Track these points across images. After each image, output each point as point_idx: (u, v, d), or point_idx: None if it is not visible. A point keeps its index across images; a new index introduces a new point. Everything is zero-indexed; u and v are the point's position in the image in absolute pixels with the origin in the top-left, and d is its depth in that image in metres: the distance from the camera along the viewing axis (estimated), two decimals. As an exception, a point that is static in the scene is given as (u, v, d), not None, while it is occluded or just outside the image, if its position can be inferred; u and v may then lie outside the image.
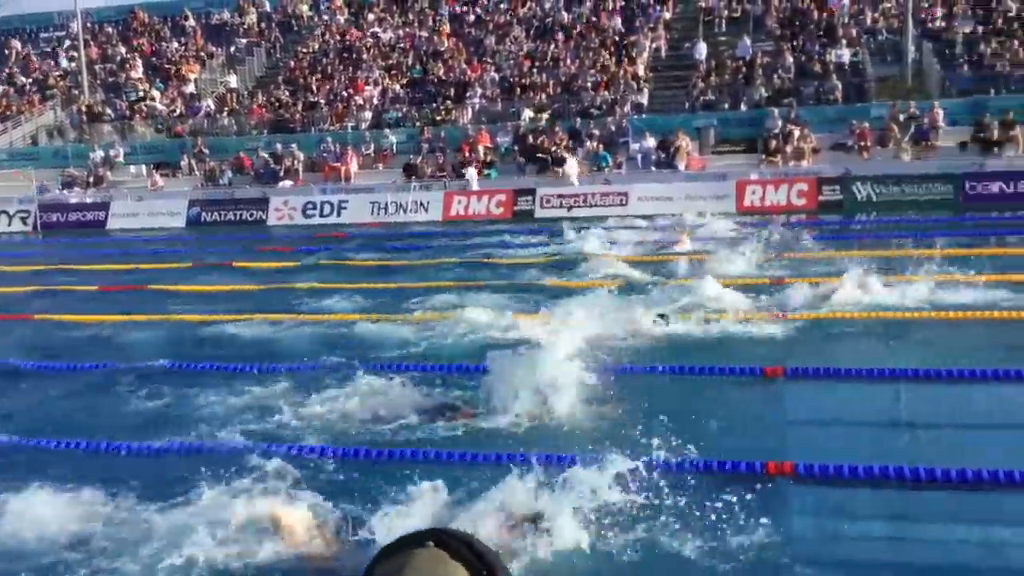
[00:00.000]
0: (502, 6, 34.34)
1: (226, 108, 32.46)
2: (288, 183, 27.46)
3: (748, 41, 28.42)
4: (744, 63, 27.70)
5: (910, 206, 20.39)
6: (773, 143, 24.23)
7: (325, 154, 28.13)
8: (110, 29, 39.45)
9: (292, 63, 34.12)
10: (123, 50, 37.55)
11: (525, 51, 31.07)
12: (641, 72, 28.89)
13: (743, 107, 26.30)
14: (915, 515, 5.29)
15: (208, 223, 25.87)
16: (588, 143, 26.08)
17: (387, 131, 28.64)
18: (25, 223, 27.61)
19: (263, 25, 37.21)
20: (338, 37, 34.94)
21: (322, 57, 33.93)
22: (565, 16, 32.49)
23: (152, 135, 32.33)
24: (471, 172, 25.31)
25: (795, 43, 28.07)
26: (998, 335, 9.08)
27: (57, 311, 13.02)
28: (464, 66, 31.00)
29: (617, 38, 30.60)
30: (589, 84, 28.47)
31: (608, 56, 29.58)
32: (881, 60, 27.25)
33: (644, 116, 26.95)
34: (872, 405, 7.17)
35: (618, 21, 31.46)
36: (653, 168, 24.86)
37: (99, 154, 30.81)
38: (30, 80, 37.08)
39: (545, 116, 27.67)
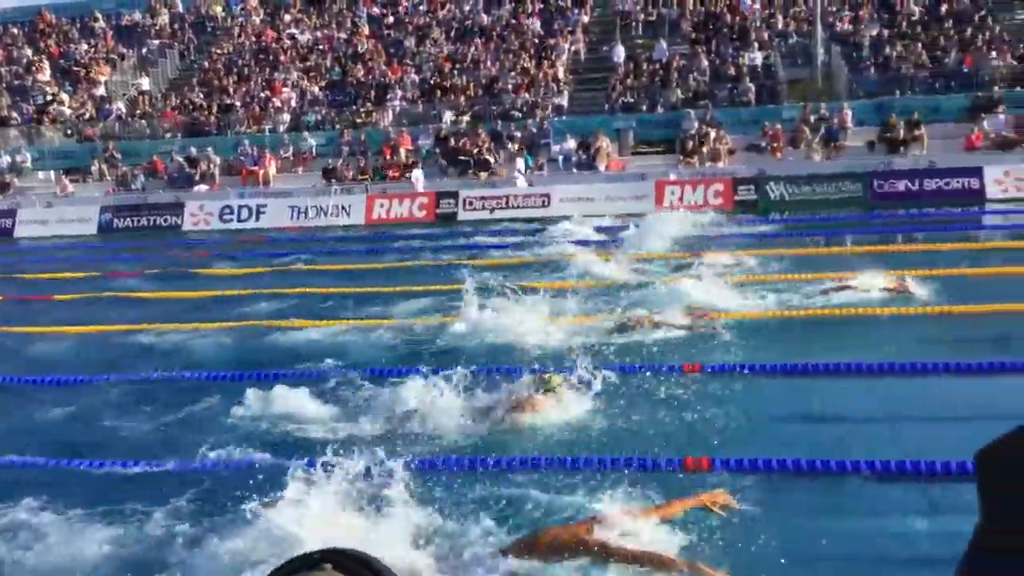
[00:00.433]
0: (421, 8, 34.24)
1: (138, 111, 31.61)
2: (204, 187, 26.87)
3: (664, 44, 28.92)
4: (661, 66, 28.16)
5: (821, 204, 21.00)
6: (690, 144, 24.68)
7: (242, 157, 27.61)
8: (15, 30, 37.99)
9: (206, 65, 33.41)
10: (29, 52, 36.21)
11: (445, 53, 31.03)
12: (561, 74, 29.13)
13: (660, 109, 26.74)
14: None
15: (120, 229, 25.15)
16: (510, 145, 26.19)
17: (306, 134, 28.27)
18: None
19: (176, 26, 36.33)
20: (254, 38, 34.35)
21: (237, 59, 33.31)
22: (484, 18, 32.56)
23: (61, 140, 31.26)
24: (417, 173, 25.05)
25: (709, 46, 28.66)
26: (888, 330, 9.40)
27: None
28: (384, 68, 30.81)
29: (536, 41, 30.79)
30: (510, 86, 28.58)
31: (528, 58, 29.75)
32: (792, 63, 28.01)
33: (564, 118, 27.18)
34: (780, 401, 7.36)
35: (537, 24, 31.67)
36: (574, 169, 25.09)
37: (5, 160, 29.67)
38: (-72, 83, 35.51)
39: (466, 118, 27.68)
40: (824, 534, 5.03)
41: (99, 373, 9.11)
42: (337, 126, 28.58)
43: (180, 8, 37.22)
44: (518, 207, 23.44)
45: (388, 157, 26.48)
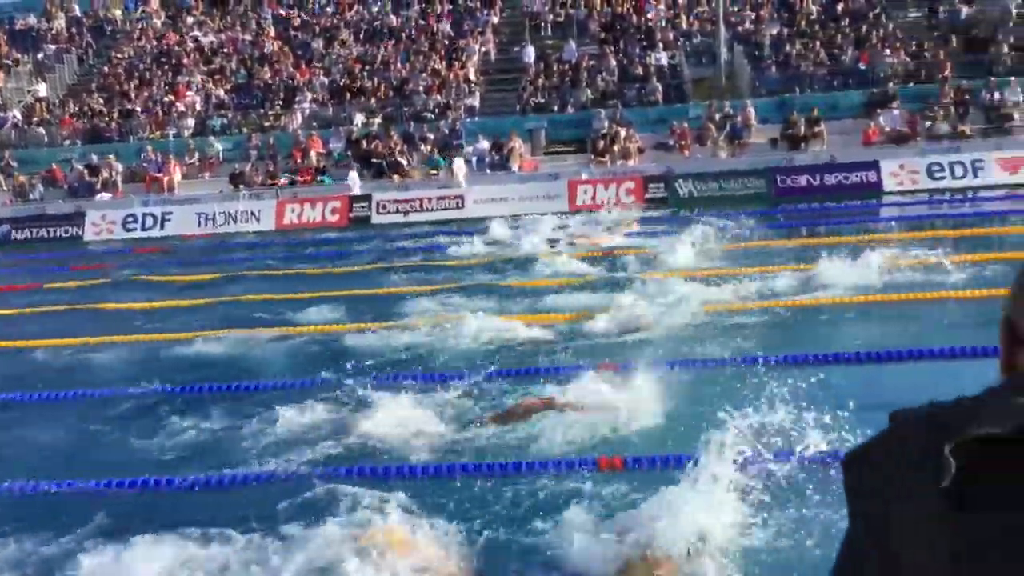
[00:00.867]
0: (328, 9, 33.83)
1: (35, 118, 30.40)
2: (106, 196, 26.00)
3: (573, 45, 29.21)
4: (570, 66, 28.44)
5: (728, 200, 21.52)
6: (601, 143, 25.00)
7: (146, 164, 26.82)
8: (-103, 34, 36.13)
9: (106, 69, 32.37)
10: (-87, 56, 34.49)
11: (354, 55, 30.73)
12: (472, 75, 29.16)
13: (571, 109, 27.01)
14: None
15: (19, 241, 24.17)
16: (423, 146, 26.08)
17: (212, 138, 27.63)
18: None
19: (73, 30, 35.07)
20: (155, 41, 33.41)
21: (139, 62, 32.36)
22: (393, 20, 32.36)
23: (-49, 148, 29.85)
24: (352, 176, 24.65)
25: (617, 47, 29.07)
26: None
27: None
28: (291, 70, 30.34)
29: (447, 42, 30.76)
30: (421, 88, 28.47)
31: (439, 60, 29.69)
32: (696, 62, 28.61)
33: (477, 119, 27.22)
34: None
35: (447, 25, 31.63)
36: (488, 170, 25.14)
37: None
38: None
39: (378, 120, 27.46)
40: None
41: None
42: (244, 130, 28.02)
43: (77, 11, 35.95)
44: (432, 210, 23.38)
45: (298, 161, 26.09)
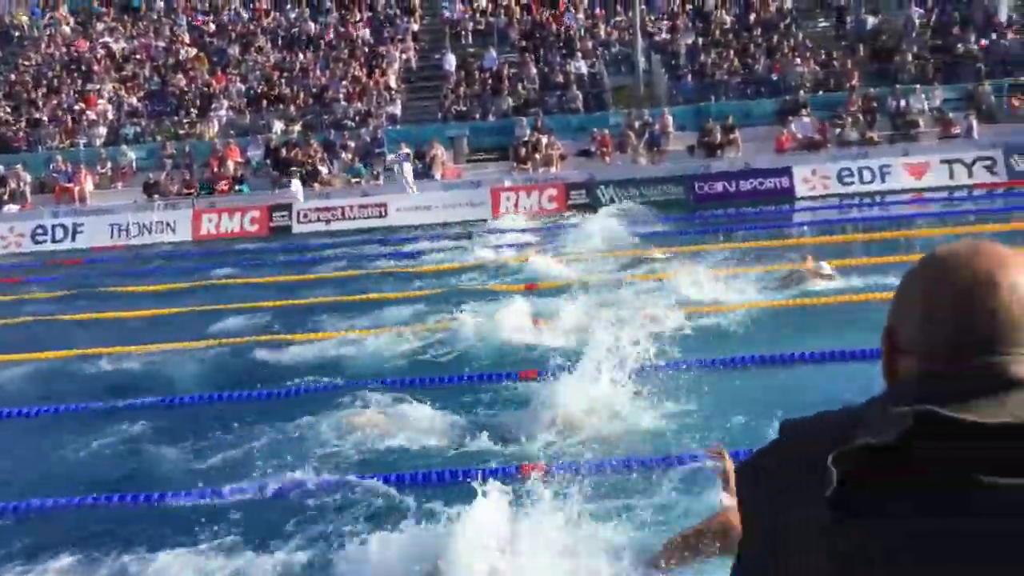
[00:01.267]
0: (244, 15, 33.27)
1: (-66, 126, 29.11)
2: (14, 207, 25.03)
3: (494, 53, 29.31)
4: (491, 74, 28.54)
5: (648, 206, 21.82)
6: (523, 151, 25.14)
7: (55, 174, 25.92)
8: None
9: (13, 77, 31.17)
10: None
11: (272, 62, 30.27)
12: (393, 83, 29.01)
13: (492, 117, 27.09)
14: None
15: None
16: (343, 155, 25.83)
17: (125, 147, 26.85)
18: None
19: (-25, 35, 33.73)
20: (64, 48, 32.35)
21: (47, 70, 31.26)
22: (312, 26, 31.99)
23: None
24: (296, 184, 24.19)
25: (537, 55, 29.30)
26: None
27: None
28: (207, 77, 29.72)
29: (367, 49, 30.54)
30: (341, 95, 28.20)
31: (359, 67, 29.45)
32: (616, 71, 29.01)
33: (398, 127, 27.08)
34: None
35: (366, 32, 31.41)
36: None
37: None
38: None
39: (297, 128, 27.09)
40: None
41: None
42: (158, 138, 27.33)
43: (-21, 16, 34.58)
44: (355, 218, 23.19)
45: (215, 169, 25.56)
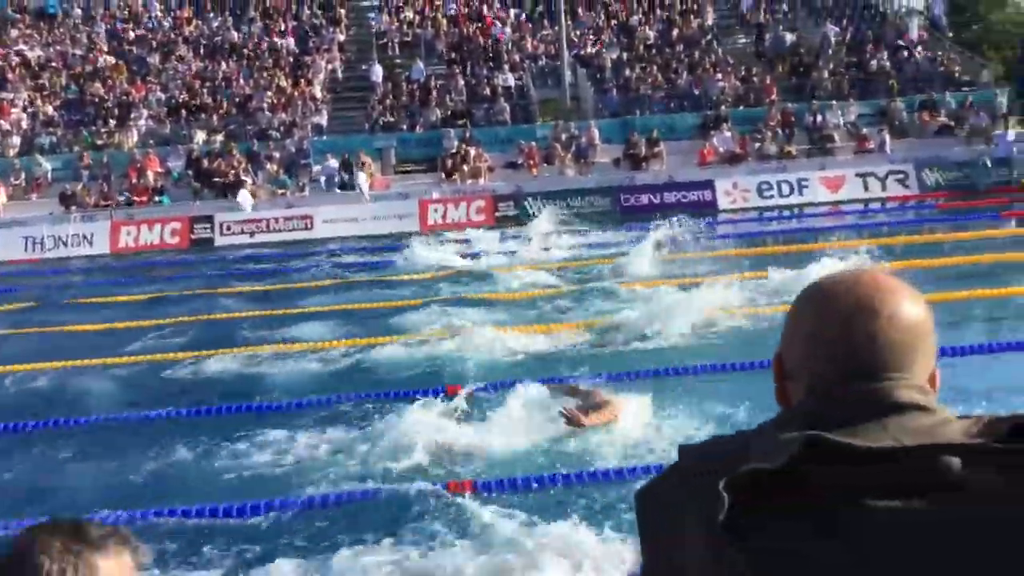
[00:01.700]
0: (165, 24, 32.59)
1: None
2: (-80, 219, 24.03)
3: (421, 64, 29.27)
4: (419, 86, 28.49)
5: (575, 218, 22.03)
6: (451, 163, 25.14)
7: (-35, 185, 24.96)
8: None
9: (-82, 83, 29.93)
10: None
11: (194, 70, 29.69)
12: (319, 93, 28.73)
13: (420, 128, 27.03)
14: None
15: None
16: (268, 166, 25.45)
17: (40, 157, 25.98)
18: None
19: None
20: (-26, 55, 31.19)
21: (-44, 76, 30.10)
22: (235, 35, 31.50)
23: None
24: (244, 194, 23.64)
25: (465, 67, 29.36)
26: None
27: None
28: (126, 86, 28.99)
29: (292, 59, 30.20)
30: (265, 105, 27.81)
31: (284, 77, 29.09)
32: (543, 84, 29.26)
33: (325, 138, 26.82)
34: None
35: (291, 41, 31.06)
36: (337, 190, 24.79)
37: None
38: None
39: (220, 138, 26.60)
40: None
41: None
42: (75, 148, 26.54)
43: None
44: (280, 230, 22.87)
45: (134, 180, 24.93)
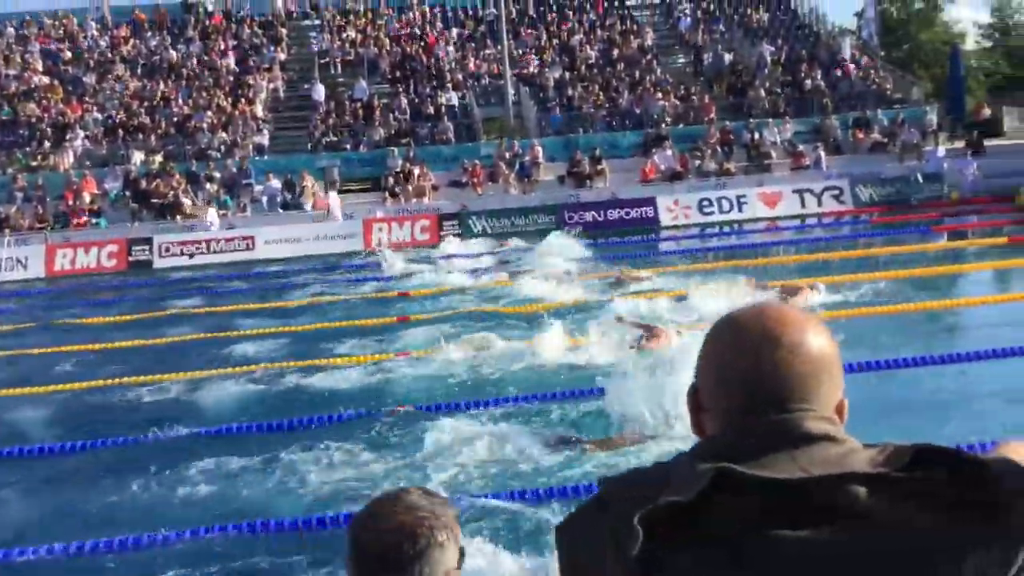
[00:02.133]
0: (102, 43, 32.03)
1: None
2: None
3: (364, 83, 29.19)
4: (362, 105, 28.39)
5: (520, 236, 22.10)
6: (395, 182, 25.07)
7: None
8: None
9: None
10: None
11: (131, 90, 29.20)
12: (260, 113, 28.46)
13: (364, 148, 26.93)
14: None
15: None
16: (208, 186, 25.10)
17: (-29, 180, 25.31)
18: None
19: None
20: (-99, 74, 30.28)
21: None
22: (173, 55, 31.09)
23: None
24: (212, 213, 23.11)
25: (408, 86, 29.36)
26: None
27: None
28: (62, 106, 28.39)
29: (232, 78, 29.88)
30: (205, 125, 27.45)
31: (224, 96, 28.76)
32: (486, 103, 29.40)
33: (266, 157, 26.56)
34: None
35: (231, 61, 30.75)
36: (280, 210, 24.55)
37: None
38: None
39: (158, 159, 26.17)
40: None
41: None
42: (9, 170, 25.88)
43: None
44: (220, 251, 22.54)
45: (71, 202, 24.39)
